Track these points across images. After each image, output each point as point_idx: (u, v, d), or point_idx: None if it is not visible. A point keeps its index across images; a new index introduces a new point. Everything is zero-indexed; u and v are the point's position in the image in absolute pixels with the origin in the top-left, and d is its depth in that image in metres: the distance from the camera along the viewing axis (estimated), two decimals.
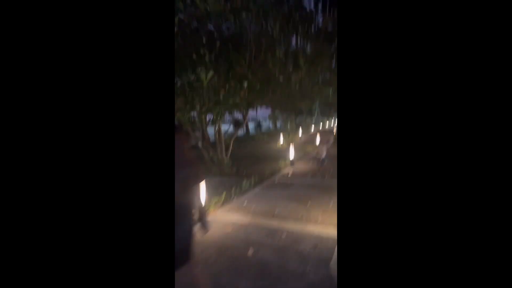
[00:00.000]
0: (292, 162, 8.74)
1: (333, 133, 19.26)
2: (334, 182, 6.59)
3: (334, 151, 10.43)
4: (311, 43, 6.75)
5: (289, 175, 7.44)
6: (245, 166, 8.46)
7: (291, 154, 8.69)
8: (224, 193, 5.48)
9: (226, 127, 10.78)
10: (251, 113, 16.30)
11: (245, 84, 5.93)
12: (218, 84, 5.73)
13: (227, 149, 8.26)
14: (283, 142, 13.46)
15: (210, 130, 8.62)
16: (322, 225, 4.16)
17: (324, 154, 8.91)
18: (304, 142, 14.50)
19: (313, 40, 6.63)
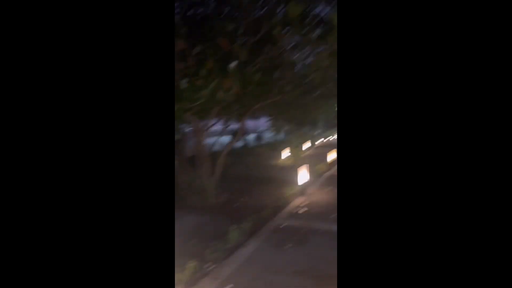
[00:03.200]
0: (303, 189, 5.93)
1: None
2: None
3: None
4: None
5: (300, 212, 4.96)
6: (239, 193, 6.01)
7: (302, 177, 5.81)
8: (194, 264, 2.90)
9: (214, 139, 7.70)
10: (250, 122, 12.92)
11: (232, 66, 3.40)
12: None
13: (213, 167, 5.62)
14: (288, 157, 10.79)
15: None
16: None
17: None
18: (312, 157, 11.44)
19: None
